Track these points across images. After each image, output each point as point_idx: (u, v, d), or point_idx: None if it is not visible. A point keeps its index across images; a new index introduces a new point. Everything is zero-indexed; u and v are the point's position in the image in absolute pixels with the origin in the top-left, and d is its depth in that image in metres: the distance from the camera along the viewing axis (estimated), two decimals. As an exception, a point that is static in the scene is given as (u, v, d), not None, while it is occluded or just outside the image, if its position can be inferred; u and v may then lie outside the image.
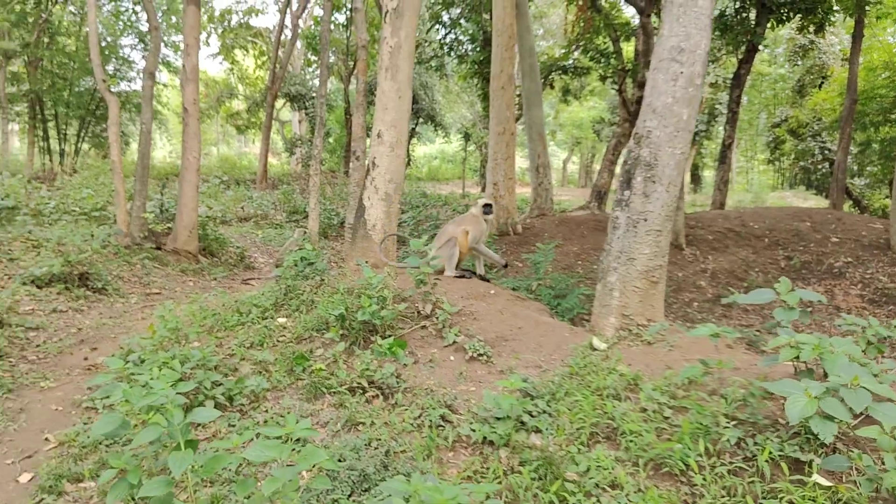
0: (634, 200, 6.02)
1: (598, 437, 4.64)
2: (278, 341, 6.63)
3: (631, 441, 4.41)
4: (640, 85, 23.67)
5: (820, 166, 27.98)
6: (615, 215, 6.25)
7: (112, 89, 23.70)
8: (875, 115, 21.71)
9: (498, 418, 4.78)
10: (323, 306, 6.83)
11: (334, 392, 5.50)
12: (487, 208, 7.80)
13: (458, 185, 33.91)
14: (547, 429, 4.73)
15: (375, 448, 4.66)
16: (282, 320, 7.10)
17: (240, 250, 13.58)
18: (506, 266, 7.96)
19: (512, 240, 15.57)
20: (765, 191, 35.67)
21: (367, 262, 7.62)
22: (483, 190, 30.25)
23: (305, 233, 11.94)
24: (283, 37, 29.14)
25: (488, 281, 7.82)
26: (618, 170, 39.53)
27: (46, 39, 25.83)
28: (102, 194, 15.67)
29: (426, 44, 27.12)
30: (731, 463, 4.04)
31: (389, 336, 6.16)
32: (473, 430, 4.77)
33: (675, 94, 5.90)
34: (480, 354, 5.89)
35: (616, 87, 24.21)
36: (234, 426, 5.14)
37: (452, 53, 26.10)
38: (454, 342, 6.10)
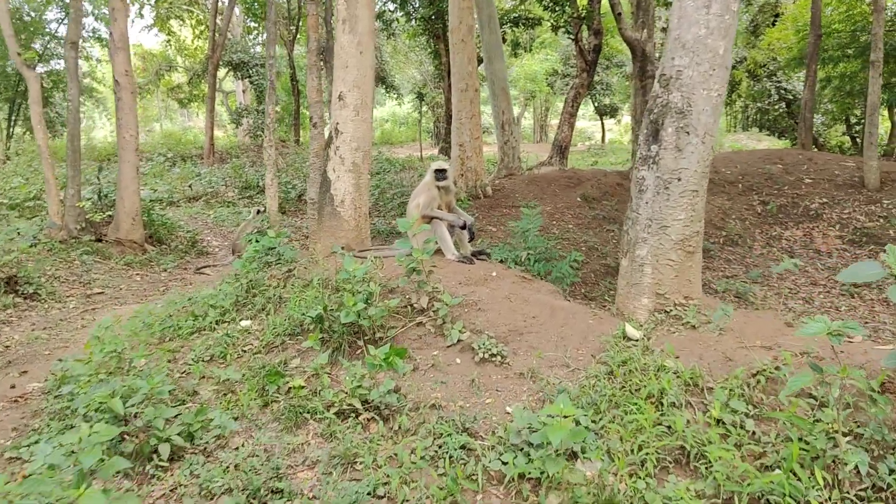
0: (665, 156, 4.89)
1: (666, 464, 3.56)
2: (244, 351, 5.39)
3: (715, 470, 3.34)
4: (596, 32, 22.45)
5: (777, 107, 27.27)
6: (640, 175, 5.10)
7: (39, 68, 21.50)
8: (833, 50, 20.90)
9: (533, 444, 3.67)
10: (294, 305, 5.60)
11: (320, 418, 4.32)
12: (439, 174, 6.59)
13: (414, 148, 32.40)
14: (596, 451, 3.64)
15: (382, 498, 3.53)
16: (245, 323, 5.85)
17: (191, 234, 12.11)
18: (464, 227, 6.57)
19: (483, 203, 14.39)
20: (720, 134, 34.98)
21: (341, 246, 6.37)
22: (441, 152, 28.90)
23: (260, 211, 10.54)
24: (219, 3, 27.08)
25: (487, 256, 6.68)
26: (579, 123, 38.43)
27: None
28: (36, 182, 13.99)
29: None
30: (859, 498, 3.00)
31: (381, 339, 4.98)
32: (505, 463, 3.66)
33: (708, 23, 4.74)
34: (493, 354, 4.75)
35: (571, 36, 23.02)
36: (197, 475, 3.92)
37: (398, 10, 24.53)
38: (459, 341, 4.94)
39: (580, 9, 22.02)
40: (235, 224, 12.98)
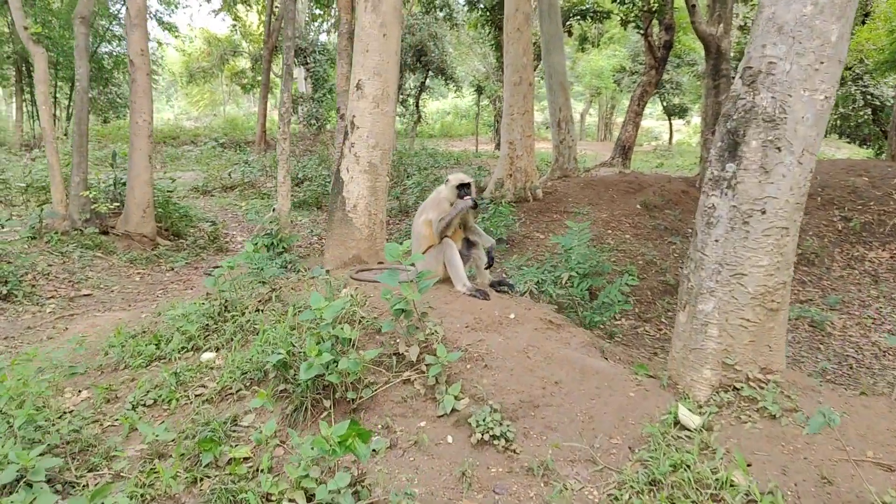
0: (745, 180, 3.51)
1: None
2: (195, 396, 4.27)
3: None
4: (667, 28, 20.79)
5: (862, 113, 24.91)
6: (709, 203, 3.72)
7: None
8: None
9: None
10: (261, 341, 4.44)
11: (253, 515, 3.15)
12: (463, 189, 4.97)
13: (472, 141, 31.10)
14: None
15: None
16: (207, 357, 4.73)
17: (214, 228, 11.14)
18: (490, 258, 5.16)
19: (532, 207, 13.05)
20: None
21: (326, 269, 5.19)
22: (497, 147, 27.54)
23: (275, 210, 9.38)
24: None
25: (509, 288, 5.36)
26: (646, 123, 36.46)
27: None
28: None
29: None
30: None
31: (355, 400, 3.77)
32: None
33: (817, -2, 3.36)
34: (496, 436, 3.49)
35: (641, 30, 21.40)
36: None
37: (461, -1, 23.32)
38: (454, 411, 3.69)
39: (651, 2, 20.39)
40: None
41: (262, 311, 5.04)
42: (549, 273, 7.29)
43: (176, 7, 30.62)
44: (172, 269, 9.03)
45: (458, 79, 31.12)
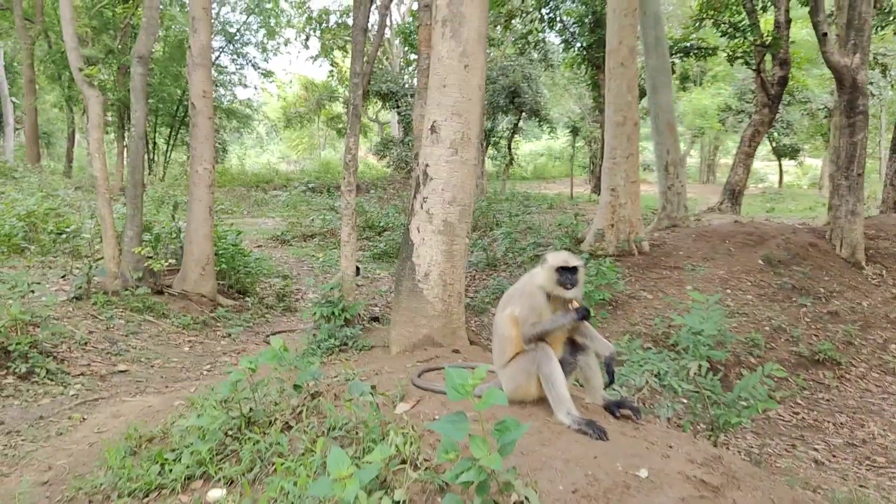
0: None
1: None
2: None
3: None
4: (782, 63, 18.78)
5: None
6: None
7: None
8: None
9: None
10: (275, 490, 3.07)
11: None
12: (566, 275, 3.39)
13: (567, 184, 29.48)
14: None
15: None
16: (216, 496, 3.41)
17: (284, 284, 10.01)
18: (610, 373, 3.55)
19: (637, 262, 11.36)
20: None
21: (372, 386, 3.76)
22: (594, 190, 25.81)
23: (358, 269, 7.89)
24: (371, 32, 25.86)
25: (634, 413, 3.60)
26: (756, 164, 33.94)
27: (131, 45, 23.59)
28: (152, 212, 12.61)
29: (521, 14, 22.91)
30: None
31: None
32: None
33: None
34: None
35: (752, 66, 19.45)
36: None
37: (552, 31, 22.01)
38: None
39: (765, 36, 18.49)
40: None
41: (294, 427, 3.69)
42: (671, 363, 5.64)
43: (275, 53, 30.90)
44: (229, 336, 7.89)
45: (552, 120, 29.77)
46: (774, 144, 30.93)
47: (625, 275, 10.51)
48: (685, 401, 5.62)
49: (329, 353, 5.85)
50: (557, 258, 3.41)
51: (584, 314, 3.31)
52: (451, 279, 5.43)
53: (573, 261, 3.42)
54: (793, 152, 32.02)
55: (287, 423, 3.77)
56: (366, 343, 5.94)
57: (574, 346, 3.46)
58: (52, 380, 5.80)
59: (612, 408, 3.51)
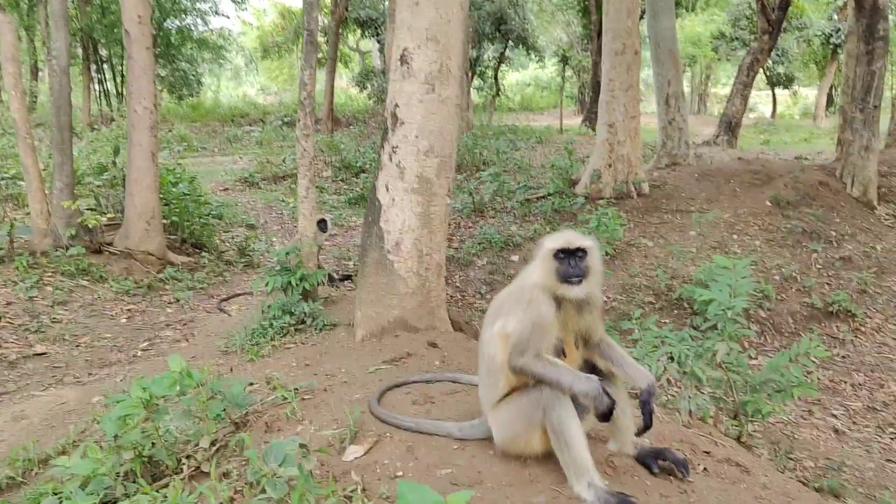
0: None
1: None
2: None
3: None
4: (787, -14, 17.37)
5: None
6: None
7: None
8: None
9: None
10: None
11: None
12: (567, 262, 2.28)
13: (556, 115, 27.99)
14: None
15: None
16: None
17: (248, 236, 8.76)
18: (647, 414, 2.40)
19: (636, 205, 10.27)
20: None
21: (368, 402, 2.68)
22: (585, 122, 24.46)
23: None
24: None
25: (681, 471, 2.45)
26: (755, 93, 32.36)
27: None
28: (106, 153, 11.23)
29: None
30: None
31: None
32: None
33: None
34: None
35: (754, -10, 17.98)
36: None
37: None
38: None
39: (767, -44, 16.96)
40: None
41: (209, 472, 2.63)
42: (692, 345, 4.60)
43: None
44: (177, 301, 6.78)
45: (540, 48, 28.05)
46: (769, 73, 29.47)
47: (623, 220, 9.43)
48: (709, 390, 4.63)
49: (283, 334, 4.78)
50: (556, 239, 2.29)
51: (607, 408, 2.18)
52: (427, 248, 4.32)
53: (578, 240, 2.31)
54: (787, 81, 30.56)
55: (199, 467, 2.72)
56: (328, 320, 4.87)
57: (594, 373, 2.37)
58: (-53, 370, 4.71)
59: (649, 461, 2.43)
